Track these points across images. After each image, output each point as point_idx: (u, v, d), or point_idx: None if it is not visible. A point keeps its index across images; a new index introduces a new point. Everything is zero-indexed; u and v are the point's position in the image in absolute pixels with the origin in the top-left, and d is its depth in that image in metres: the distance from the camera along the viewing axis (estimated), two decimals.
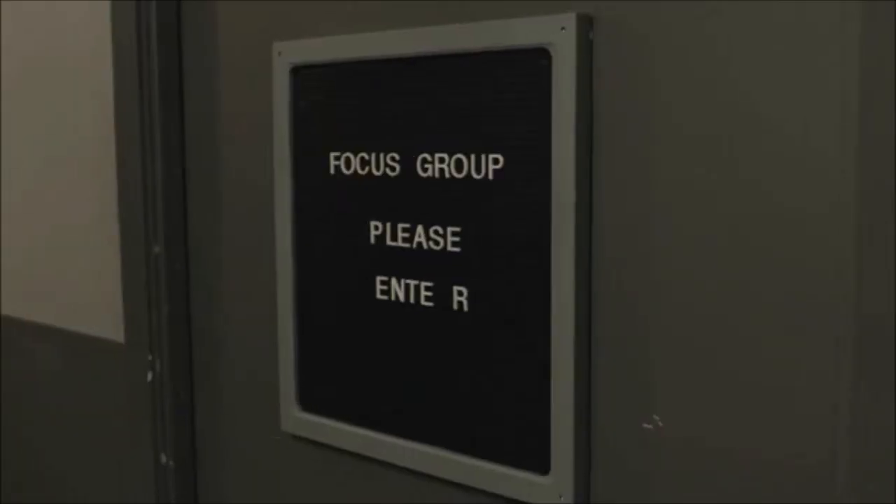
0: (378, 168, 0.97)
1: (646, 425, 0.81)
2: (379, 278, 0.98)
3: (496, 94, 0.87)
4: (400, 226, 0.96)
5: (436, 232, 0.93)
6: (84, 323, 1.33)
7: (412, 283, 0.95)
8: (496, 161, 0.87)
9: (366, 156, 0.98)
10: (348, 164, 1.00)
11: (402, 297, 0.96)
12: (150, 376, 1.22)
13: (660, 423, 0.80)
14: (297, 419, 1.08)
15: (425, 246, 0.94)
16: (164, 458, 1.23)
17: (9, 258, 1.48)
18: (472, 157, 0.89)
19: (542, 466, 0.86)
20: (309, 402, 1.07)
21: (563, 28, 0.81)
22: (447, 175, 0.91)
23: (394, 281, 0.97)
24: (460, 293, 0.91)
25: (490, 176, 0.88)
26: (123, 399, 1.25)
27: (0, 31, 1.45)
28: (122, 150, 1.22)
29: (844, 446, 0.69)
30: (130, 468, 1.25)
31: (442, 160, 0.91)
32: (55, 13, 1.35)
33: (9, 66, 1.45)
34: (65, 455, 1.41)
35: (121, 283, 1.25)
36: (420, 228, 0.94)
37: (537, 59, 0.83)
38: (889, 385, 0.66)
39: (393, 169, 0.96)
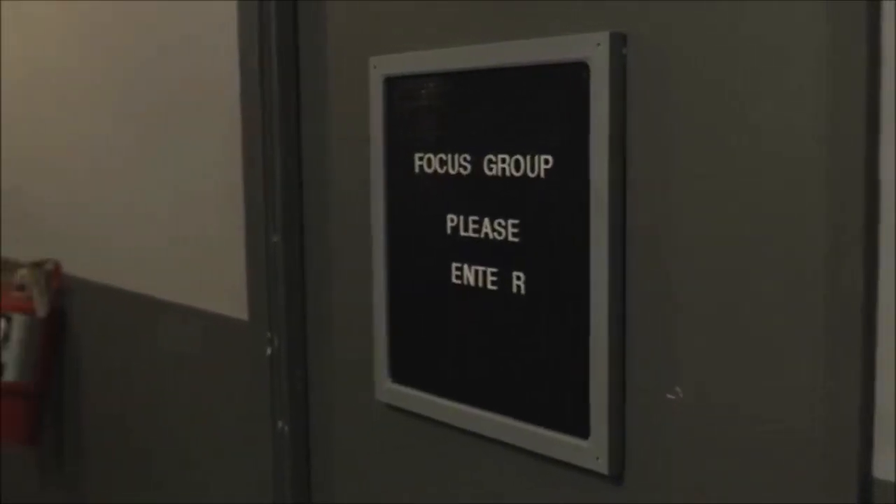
0: (453, 167, 1.10)
1: (669, 396, 0.91)
2: (454, 265, 1.11)
3: (546, 102, 0.98)
4: (471, 218, 1.08)
5: (499, 224, 1.05)
6: (215, 303, 1.52)
7: (480, 269, 1.08)
8: (546, 161, 0.99)
9: (443, 156, 1.11)
10: (430, 163, 1.13)
11: (472, 282, 1.09)
12: (269, 351, 1.39)
13: (680, 394, 0.90)
14: (389, 390, 1.22)
15: (490, 236, 1.06)
16: (280, 425, 1.39)
17: (156, 247, 1.68)
18: (528, 157, 1.01)
19: (584, 432, 0.97)
20: (399, 374, 1.21)
21: (598, 44, 0.92)
22: (508, 174, 1.03)
23: (465, 267, 1.10)
24: (518, 278, 1.03)
25: (542, 174, 0.99)
26: (246, 371, 1.42)
27: (132, 48, 1.65)
28: (247, 153, 1.39)
29: (824, 411, 0.78)
30: (251, 433, 1.43)
31: (503, 160, 1.03)
32: (190, 38, 1.54)
33: (150, 79, 1.65)
34: (194, 419, 1.60)
35: (245, 269, 1.42)
36: (486, 221, 1.06)
37: (579, 72, 0.94)
38: (857, 361, 0.74)
39: (465, 168, 1.08)
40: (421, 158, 1.14)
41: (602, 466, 0.96)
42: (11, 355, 2.04)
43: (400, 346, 1.20)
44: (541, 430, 1.01)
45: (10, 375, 2.04)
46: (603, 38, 0.92)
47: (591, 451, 0.96)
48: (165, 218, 1.66)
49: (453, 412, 1.12)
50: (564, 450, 0.99)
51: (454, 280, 1.11)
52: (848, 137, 0.74)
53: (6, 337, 2.04)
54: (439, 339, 1.14)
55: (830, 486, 0.77)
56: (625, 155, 0.93)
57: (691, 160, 0.87)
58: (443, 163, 1.11)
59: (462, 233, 1.10)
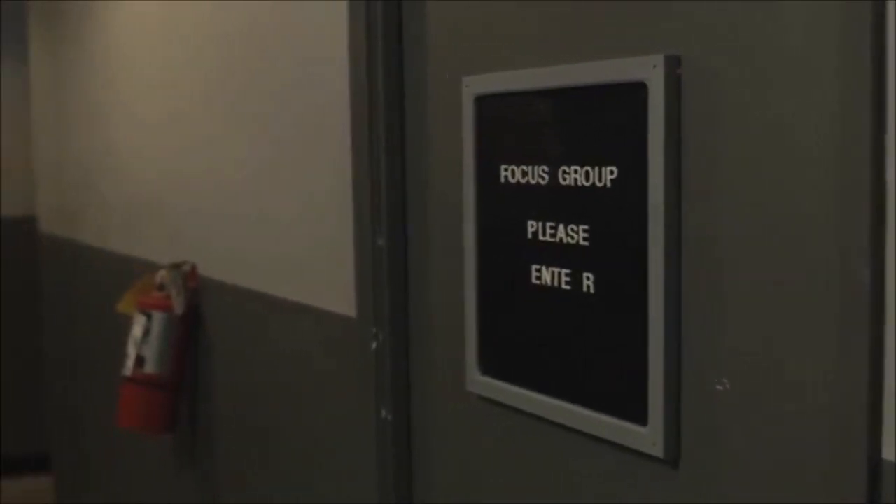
0: (533, 178, 1.21)
1: (718, 387, 0.99)
2: (533, 266, 1.21)
3: (610, 118, 1.08)
4: (548, 224, 1.19)
5: (571, 229, 1.15)
6: (326, 301, 1.66)
7: (555, 270, 1.18)
8: (612, 172, 1.08)
9: (525, 168, 1.22)
10: (513, 174, 1.24)
11: (548, 282, 1.19)
12: (374, 346, 1.52)
13: (727, 385, 0.98)
14: (478, 381, 1.33)
15: (564, 240, 1.16)
16: (383, 413, 1.52)
17: (277, 251, 1.84)
18: (596, 168, 1.10)
19: (642, 419, 1.06)
20: (486, 367, 1.32)
21: (654, 66, 1.01)
22: (579, 183, 1.13)
23: (543, 269, 1.20)
24: (587, 278, 1.13)
25: (608, 184, 1.09)
26: (353, 364, 1.56)
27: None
28: (356, 167, 1.53)
29: (836, 395, 0.85)
30: (357, 420, 1.56)
31: (576, 171, 1.14)
32: (308, 68, 1.69)
33: (277, 108, 1.81)
34: (306, 407, 1.75)
35: (354, 270, 1.55)
36: (561, 226, 1.17)
37: (638, 91, 1.04)
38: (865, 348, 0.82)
39: (543, 178, 1.19)
40: (506, 169, 1.25)
41: (658, 451, 1.04)
42: (151, 349, 2.24)
43: (488, 341, 1.31)
44: (605, 418, 1.11)
45: (149, 368, 2.24)
46: (659, 60, 1.01)
47: (650, 438, 1.05)
48: (285, 226, 1.82)
49: (532, 401, 1.23)
50: (626, 435, 1.08)
51: (534, 280, 1.21)
52: (861, 147, 0.82)
53: (147, 332, 2.24)
54: (521, 334, 1.25)
55: (840, 467, 0.84)
56: (679, 166, 1.02)
57: (736, 169, 0.96)
58: (524, 173, 1.22)
59: (540, 237, 1.20)
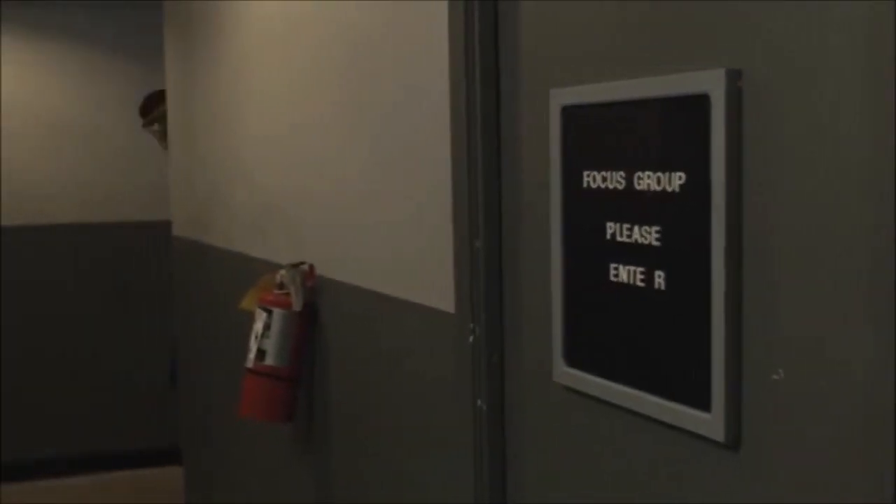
0: (611, 183, 1.30)
1: (774, 377, 1.07)
2: (612, 265, 1.31)
3: (678, 127, 1.17)
4: (624, 226, 1.28)
5: (645, 231, 1.24)
6: (428, 298, 1.78)
7: (632, 268, 1.27)
8: (680, 178, 1.17)
9: (605, 174, 1.32)
10: (594, 180, 1.34)
11: (625, 279, 1.29)
12: (471, 339, 1.63)
13: (782, 375, 1.06)
14: (563, 372, 1.44)
15: (639, 241, 1.25)
16: (479, 403, 1.63)
17: (384, 253, 1.97)
18: (666, 174, 1.20)
19: (706, 406, 1.15)
20: (571, 359, 1.42)
21: (717, 79, 1.10)
22: (652, 188, 1.23)
23: (621, 267, 1.30)
24: (659, 276, 1.22)
25: (677, 189, 1.18)
26: (451, 356, 1.68)
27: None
28: (456, 176, 1.65)
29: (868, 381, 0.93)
30: (453, 410, 1.68)
31: (649, 177, 1.23)
32: (408, 68, 1.81)
33: (384, 123, 1.94)
34: (408, 396, 1.87)
35: (453, 270, 1.67)
36: (636, 228, 1.26)
37: (703, 102, 1.13)
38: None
39: (620, 184, 1.28)
40: (588, 175, 1.35)
41: (720, 436, 1.13)
42: (271, 343, 2.40)
43: (572, 334, 1.42)
44: (672, 405, 1.20)
45: (269, 360, 2.40)
46: (721, 74, 1.10)
47: (713, 424, 1.14)
48: (392, 229, 1.95)
49: (609, 390, 1.32)
50: (691, 421, 1.17)
51: (612, 278, 1.31)
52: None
53: (267, 327, 2.41)
54: (600, 328, 1.35)
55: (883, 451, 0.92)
56: (740, 171, 1.10)
57: (790, 173, 1.04)
58: (604, 179, 1.32)
59: (618, 238, 1.30)
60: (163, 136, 4.59)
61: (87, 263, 5.38)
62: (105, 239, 5.20)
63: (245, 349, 2.47)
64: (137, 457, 5.50)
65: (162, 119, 4.52)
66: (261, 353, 2.41)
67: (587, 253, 1.36)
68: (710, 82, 1.11)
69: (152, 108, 4.66)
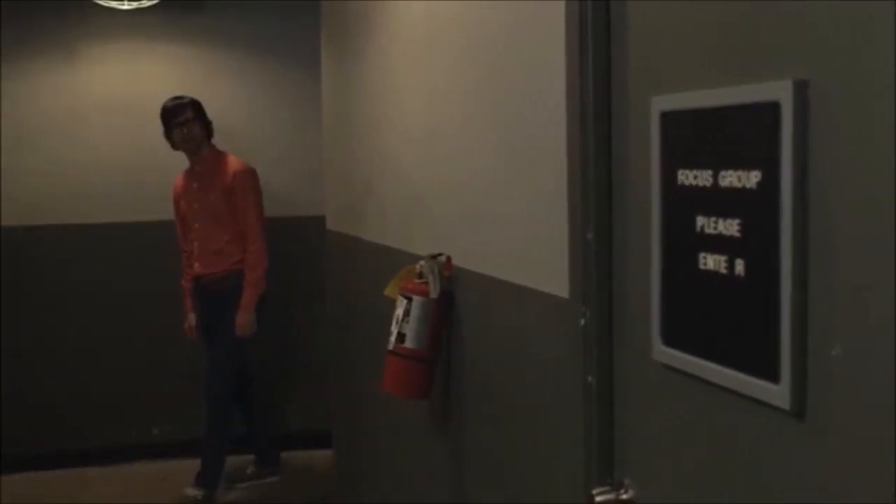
0: (701, 181, 1.46)
1: (833, 352, 1.22)
2: (701, 254, 1.47)
3: (755, 131, 1.32)
4: (711, 219, 1.44)
5: (728, 223, 1.40)
6: (544, 284, 1.97)
7: (717, 257, 1.43)
8: (757, 176, 1.32)
9: (696, 172, 1.47)
10: (687, 177, 1.50)
11: (712, 267, 1.44)
12: (582, 321, 1.81)
13: (840, 351, 1.21)
14: (661, 351, 1.60)
15: (723, 233, 1.41)
16: (589, 379, 1.81)
17: (508, 244, 2.17)
18: (746, 172, 1.35)
19: (776, 378, 1.30)
20: (668, 338, 1.58)
21: (786, 89, 1.25)
22: (734, 185, 1.38)
23: (708, 256, 1.45)
24: (739, 264, 1.37)
25: (754, 186, 1.33)
26: (564, 337, 1.86)
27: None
28: (571, 174, 1.83)
29: None
30: (565, 386, 1.86)
31: (731, 175, 1.38)
32: (529, 79, 2.00)
33: (508, 121, 2.13)
34: (526, 374, 2.06)
35: (567, 259, 1.85)
36: (721, 221, 1.41)
37: (775, 109, 1.28)
38: None
39: (708, 181, 1.44)
40: (682, 174, 1.51)
41: (786, 404, 1.28)
42: (410, 328, 2.63)
43: (668, 316, 1.58)
44: (748, 378, 1.35)
45: (408, 343, 2.63)
46: (789, 84, 1.24)
47: (780, 394, 1.29)
48: (514, 222, 2.14)
49: (698, 366, 1.48)
50: (763, 392, 1.32)
51: (700, 266, 1.47)
52: None
53: (407, 313, 2.63)
54: (691, 311, 1.50)
55: None
56: (806, 171, 1.24)
57: (851, 172, 1.18)
58: (695, 177, 1.47)
59: (706, 230, 1.45)
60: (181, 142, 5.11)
61: None
62: (267, 231, 5.54)
63: (387, 333, 2.70)
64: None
65: (182, 125, 5.04)
66: (401, 337, 2.64)
67: (680, 243, 1.52)
68: (780, 92, 1.26)
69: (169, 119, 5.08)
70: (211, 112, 5.10)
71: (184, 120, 5.00)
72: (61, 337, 5.75)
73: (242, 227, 5.00)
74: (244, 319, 4.97)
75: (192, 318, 5.26)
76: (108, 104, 5.74)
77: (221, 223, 5.01)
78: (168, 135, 5.06)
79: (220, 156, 5.12)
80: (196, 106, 5.07)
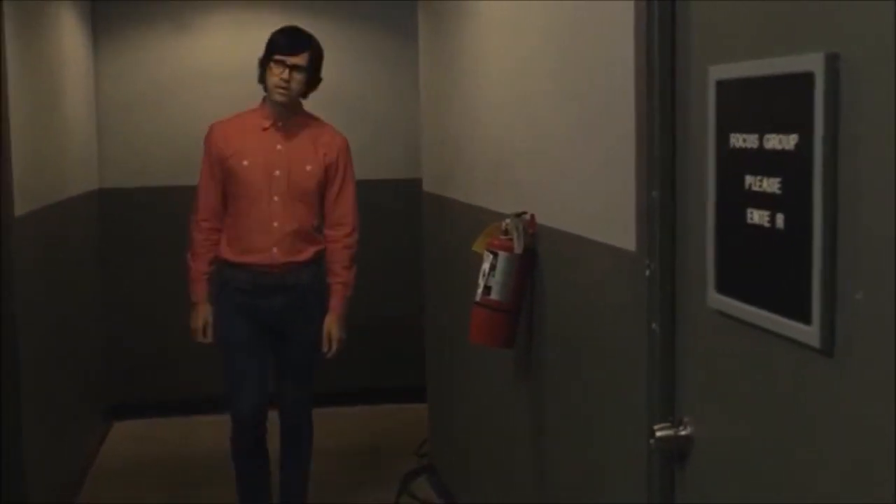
0: (749, 143, 1.61)
1: (857, 296, 1.37)
2: (748, 210, 1.62)
3: (793, 97, 1.47)
4: (757, 177, 1.59)
5: (771, 181, 1.55)
6: (613, 238, 2.14)
7: (761, 212, 1.58)
8: (794, 139, 1.48)
9: (745, 136, 1.62)
10: (737, 140, 1.65)
11: (757, 221, 1.60)
12: (647, 273, 1.98)
13: (861, 296, 1.36)
14: (715, 298, 1.76)
15: (767, 190, 1.56)
16: (653, 326, 1.98)
17: (586, 203, 2.34)
18: (786, 136, 1.50)
19: (808, 320, 1.45)
20: (721, 287, 1.74)
21: (819, 60, 1.40)
22: (775, 147, 1.53)
23: (755, 211, 1.60)
24: (780, 218, 1.53)
25: (792, 148, 1.48)
26: (630, 287, 2.03)
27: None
28: (638, 138, 1.99)
29: None
30: (631, 332, 2.03)
31: (773, 138, 1.53)
32: (602, 53, 2.16)
33: (579, 79, 2.30)
34: (597, 322, 2.24)
35: (634, 215, 2.02)
36: (765, 179, 1.57)
37: (810, 79, 1.42)
38: None
39: (755, 144, 1.59)
40: (733, 137, 1.66)
41: (817, 343, 1.43)
42: (496, 281, 2.82)
43: (721, 266, 1.74)
44: (784, 320, 1.51)
45: (494, 295, 2.82)
46: (821, 56, 1.39)
47: (812, 334, 1.44)
48: (589, 183, 2.32)
49: (745, 311, 1.64)
50: (798, 332, 1.48)
51: (748, 221, 1.62)
52: None
53: (493, 268, 2.83)
54: (740, 261, 1.66)
55: None
56: (837, 133, 1.39)
57: (877, 135, 1.32)
58: (744, 140, 1.63)
59: (753, 188, 1.61)
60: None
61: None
62: (365, 194, 5.78)
63: (475, 285, 2.91)
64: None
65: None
66: (487, 289, 2.83)
67: (731, 200, 1.68)
68: (814, 63, 1.41)
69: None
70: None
71: (301, 60, 3.68)
72: (166, 291, 6.01)
73: (335, 210, 3.86)
74: (341, 330, 3.84)
75: (206, 313, 3.86)
76: (210, 72, 5.99)
77: (309, 201, 3.79)
78: (267, 73, 3.71)
79: (313, 119, 3.89)
80: (317, 49, 3.78)
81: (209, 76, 6.01)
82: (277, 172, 3.72)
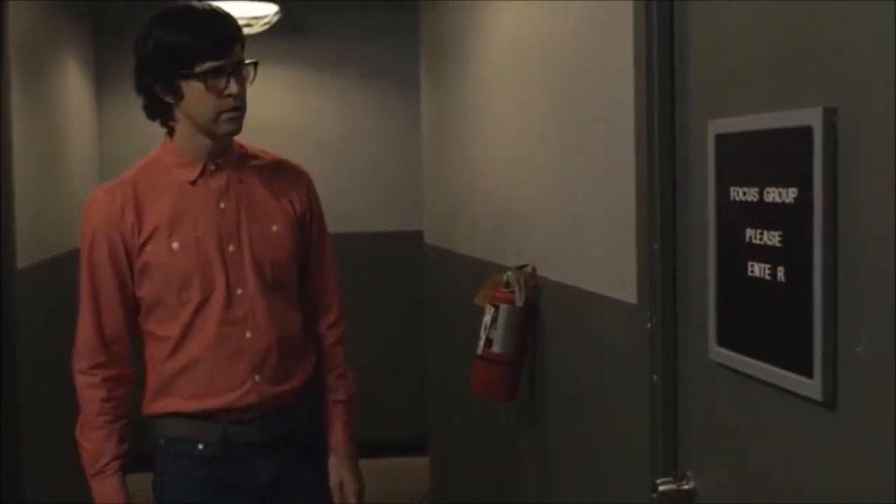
0: (749, 196, 1.62)
1: (858, 349, 1.37)
2: (749, 263, 1.63)
3: (791, 151, 1.48)
4: (757, 231, 1.60)
5: (771, 234, 1.56)
6: (614, 291, 2.14)
7: (762, 265, 1.59)
8: (794, 192, 1.49)
9: (745, 189, 1.64)
10: (737, 193, 1.66)
11: (758, 274, 1.60)
12: (649, 325, 1.98)
13: (863, 349, 1.36)
14: (716, 351, 1.75)
15: (767, 243, 1.57)
16: (655, 378, 1.98)
17: (589, 257, 2.35)
18: (785, 189, 1.51)
19: (810, 373, 1.45)
20: (723, 339, 1.74)
21: (817, 115, 1.41)
22: (776, 200, 1.54)
23: (755, 264, 1.61)
24: (780, 271, 1.53)
25: (792, 201, 1.49)
26: (632, 339, 2.03)
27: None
28: (638, 193, 2.01)
29: None
30: (633, 385, 2.03)
31: (773, 191, 1.54)
32: (602, 106, 2.18)
33: (578, 134, 2.32)
34: (599, 374, 2.23)
35: (635, 268, 2.03)
36: (765, 232, 1.58)
37: (808, 133, 1.44)
38: None
39: (755, 197, 1.60)
40: (732, 190, 1.68)
41: (819, 396, 1.43)
42: (497, 334, 2.82)
43: (722, 319, 1.74)
44: (785, 373, 1.51)
45: (496, 348, 2.82)
46: (819, 111, 1.41)
47: (814, 387, 1.44)
48: (589, 236, 2.33)
49: (746, 364, 1.64)
50: (799, 385, 1.47)
51: (749, 273, 1.63)
52: None
53: (494, 320, 2.82)
54: (741, 314, 1.67)
55: None
56: (836, 188, 1.40)
57: (876, 189, 1.33)
58: (744, 193, 1.64)
59: (753, 241, 1.61)
60: None
61: (354, 267, 5.86)
62: (367, 246, 5.78)
63: (476, 337, 2.90)
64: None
65: None
66: (489, 342, 2.83)
67: (732, 253, 1.69)
68: (812, 117, 1.42)
69: None
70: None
71: (241, 52, 2.24)
72: None
73: (315, 285, 2.47)
74: (357, 477, 2.56)
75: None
76: None
77: (286, 284, 2.35)
78: (190, 95, 2.18)
79: (254, 151, 2.42)
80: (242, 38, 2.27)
81: None
82: (231, 247, 2.24)
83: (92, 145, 5.78)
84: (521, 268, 2.85)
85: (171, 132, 2.29)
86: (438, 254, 4.45)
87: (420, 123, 5.08)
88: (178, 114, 2.23)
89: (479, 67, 3.54)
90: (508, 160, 3.14)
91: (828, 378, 1.43)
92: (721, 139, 1.72)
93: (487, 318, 2.85)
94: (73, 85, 5.14)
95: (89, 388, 2.26)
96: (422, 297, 5.19)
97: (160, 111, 2.25)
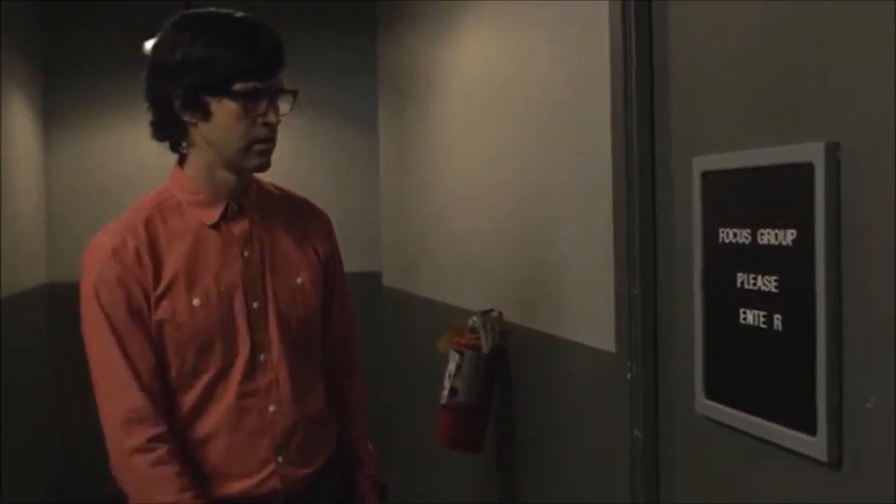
0: (740, 238, 1.51)
1: (867, 405, 1.25)
2: (741, 309, 1.51)
3: (790, 188, 1.37)
4: (750, 275, 1.48)
5: (766, 279, 1.44)
6: (592, 339, 2.02)
7: (756, 312, 1.47)
8: (792, 234, 1.37)
9: (735, 230, 1.52)
10: (727, 235, 1.55)
11: (752, 322, 1.48)
12: (629, 375, 1.85)
13: (873, 404, 1.24)
14: (703, 404, 1.63)
15: (762, 288, 1.45)
16: (636, 432, 1.85)
17: (563, 302, 2.22)
18: (782, 231, 1.40)
19: (813, 431, 1.33)
20: (710, 391, 1.62)
21: (819, 151, 1.30)
22: (771, 242, 1.43)
23: (748, 311, 1.49)
24: (777, 318, 1.42)
25: (790, 243, 1.38)
26: (610, 390, 1.90)
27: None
28: (616, 237, 1.89)
29: None
30: (612, 439, 1.90)
31: (769, 233, 1.43)
32: (577, 151, 2.07)
33: (545, 183, 2.20)
34: (574, 425, 2.10)
35: (614, 315, 1.90)
36: (759, 276, 1.46)
37: (809, 170, 1.33)
38: None
39: (747, 239, 1.49)
40: (722, 232, 1.56)
41: (824, 456, 1.31)
42: (462, 382, 2.68)
43: (710, 370, 1.62)
44: (785, 430, 1.38)
45: (461, 397, 2.68)
46: (821, 146, 1.30)
47: (818, 446, 1.32)
48: (562, 282, 2.20)
49: (738, 419, 1.52)
50: (800, 444, 1.35)
51: (741, 321, 1.51)
52: None
53: (459, 367, 2.69)
54: (732, 365, 1.55)
55: None
56: (839, 228, 1.29)
57: (884, 228, 1.22)
58: (735, 235, 1.52)
59: (746, 286, 1.50)
60: None
61: None
62: None
63: (440, 387, 2.76)
64: None
65: None
66: (453, 391, 2.69)
67: (721, 299, 1.57)
68: (813, 153, 1.31)
69: None
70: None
71: (284, 77, 1.85)
72: None
73: (339, 338, 2.11)
74: None
75: None
76: (161, 164, 5.89)
77: (312, 345, 1.98)
78: (221, 117, 1.79)
79: (273, 189, 2.04)
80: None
81: (161, 168, 5.88)
82: (256, 304, 1.86)
83: (38, 181, 5.59)
84: (486, 312, 2.72)
85: (181, 161, 1.88)
86: (398, 296, 4.31)
87: (378, 162, 4.96)
88: (195, 137, 1.81)
89: (442, 105, 3.43)
90: (473, 199, 3.02)
91: (834, 436, 1.31)
92: (708, 177, 1.61)
93: (452, 366, 2.71)
94: (17, 119, 4.96)
95: (157, 465, 1.74)
96: (379, 342, 5.03)
97: (173, 131, 1.83)
